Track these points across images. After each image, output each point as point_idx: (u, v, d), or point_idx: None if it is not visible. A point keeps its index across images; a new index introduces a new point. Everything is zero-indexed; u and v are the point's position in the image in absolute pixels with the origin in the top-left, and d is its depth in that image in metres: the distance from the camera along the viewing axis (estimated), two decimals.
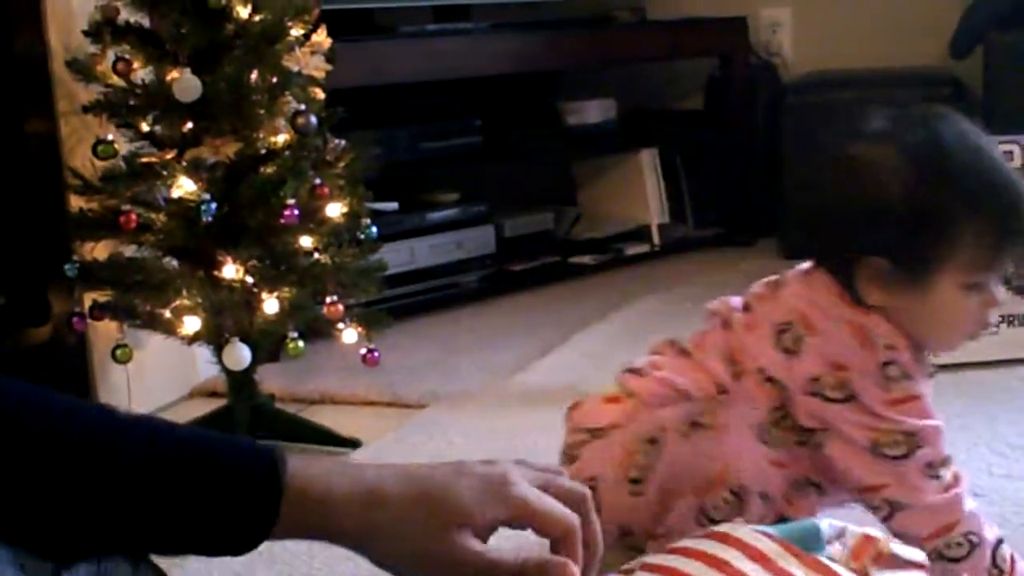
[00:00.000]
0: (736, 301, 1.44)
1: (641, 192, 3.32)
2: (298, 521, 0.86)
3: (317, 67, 1.93)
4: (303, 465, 0.87)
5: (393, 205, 2.78)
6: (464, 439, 1.97)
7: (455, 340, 2.60)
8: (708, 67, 3.47)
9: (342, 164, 1.96)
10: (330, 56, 1.97)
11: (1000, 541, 1.29)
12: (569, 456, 1.45)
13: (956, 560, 1.28)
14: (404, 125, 2.86)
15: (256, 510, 0.85)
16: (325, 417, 2.11)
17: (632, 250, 3.27)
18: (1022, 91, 2.90)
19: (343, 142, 1.98)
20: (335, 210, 1.93)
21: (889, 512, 1.29)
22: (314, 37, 1.94)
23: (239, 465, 0.86)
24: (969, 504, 1.29)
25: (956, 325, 1.32)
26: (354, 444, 1.98)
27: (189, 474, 0.86)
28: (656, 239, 3.32)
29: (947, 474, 1.29)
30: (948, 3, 3.17)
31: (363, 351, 2.03)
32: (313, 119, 1.87)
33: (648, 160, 3.32)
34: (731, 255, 3.29)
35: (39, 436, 0.84)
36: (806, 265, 1.39)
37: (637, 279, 3.06)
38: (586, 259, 3.19)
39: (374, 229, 2.02)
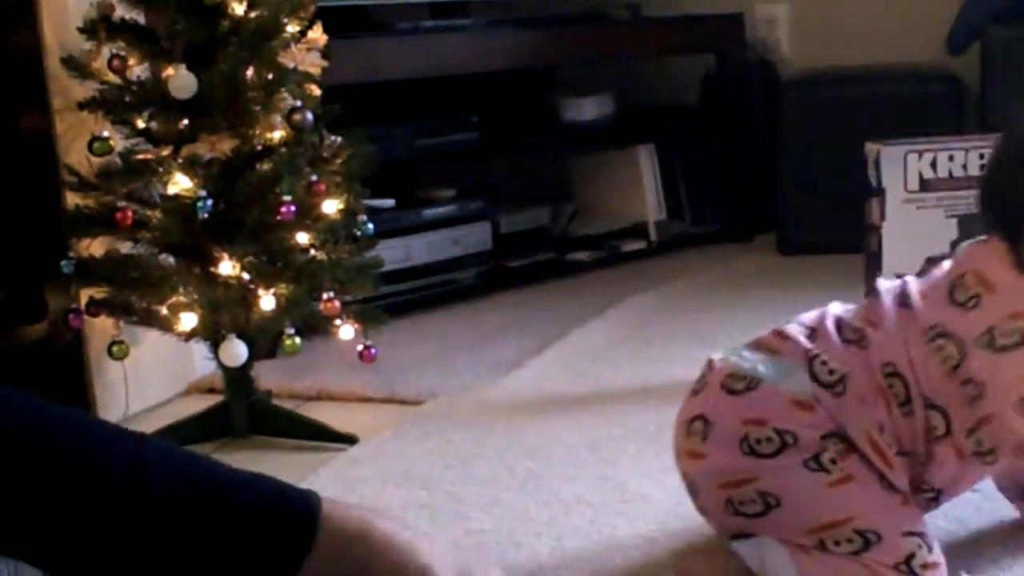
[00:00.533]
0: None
1: (638, 189, 3.33)
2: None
3: (313, 64, 1.93)
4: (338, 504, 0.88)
5: (390, 202, 2.78)
6: (462, 435, 1.96)
7: (452, 337, 2.59)
8: (705, 63, 3.47)
9: (338, 161, 1.96)
10: (326, 53, 1.96)
11: None
12: None
13: None
14: (401, 122, 2.86)
15: (288, 541, 0.86)
16: (322, 413, 2.11)
17: (629, 247, 3.27)
18: (1019, 87, 2.90)
19: (339, 139, 1.99)
20: (331, 207, 1.93)
21: None
22: (310, 33, 1.94)
23: (275, 495, 0.87)
24: None
25: None
26: (351, 440, 1.98)
27: (221, 509, 0.86)
28: (653, 236, 3.32)
29: None
30: (942, 1, 3.17)
31: (360, 348, 2.03)
32: (309, 116, 1.87)
33: (645, 156, 3.32)
34: (729, 252, 3.29)
35: (67, 468, 0.84)
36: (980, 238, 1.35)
37: (634, 276, 3.06)
38: (583, 256, 3.19)
39: (370, 226, 2.02)
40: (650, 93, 3.65)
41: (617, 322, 2.62)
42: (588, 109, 3.28)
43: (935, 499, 1.37)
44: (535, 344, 2.47)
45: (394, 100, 2.92)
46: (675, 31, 3.38)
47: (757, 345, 1.39)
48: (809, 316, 1.39)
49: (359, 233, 2.00)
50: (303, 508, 0.90)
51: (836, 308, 1.39)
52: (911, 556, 1.27)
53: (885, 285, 1.38)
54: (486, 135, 3.03)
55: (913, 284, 1.36)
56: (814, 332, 1.36)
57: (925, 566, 1.27)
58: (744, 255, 3.23)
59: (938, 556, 1.29)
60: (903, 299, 1.34)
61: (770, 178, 3.26)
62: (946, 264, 1.36)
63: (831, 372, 1.31)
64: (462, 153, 2.98)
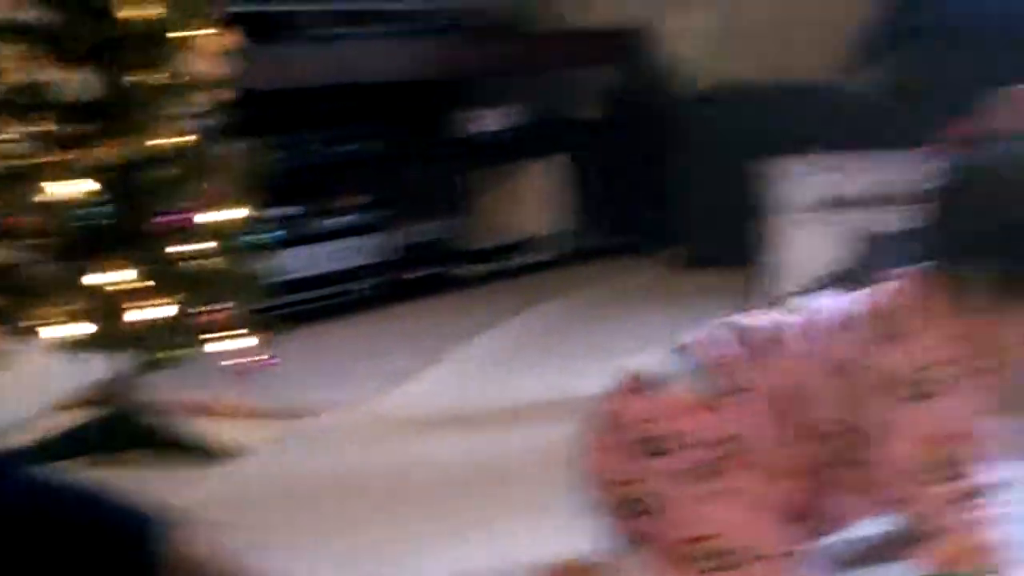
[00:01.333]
0: None
1: (538, 201, 3.32)
2: None
3: (215, 70, 1.88)
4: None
5: (295, 210, 2.74)
6: (351, 448, 1.94)
7: (347, 348, 2.57)
8: (611, 76, 3.47)
9: (238, 168, 1.92)
10: (230, 58, 1.92)
11: None
12: None
13: None
14: (308, 129, 2.82)
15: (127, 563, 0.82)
16: (208, 427, 2.05)
17: (527, 259, 3.26)
18: (921, 105, 2.91)
19: (240, 146, 1.94)
20: (228, 215, 1.89)
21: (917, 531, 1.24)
22: (214, 39, 1.89)
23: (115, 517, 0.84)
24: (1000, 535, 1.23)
25: None
26: (234, 455, 1.93)
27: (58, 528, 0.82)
28: (556, 248, 3.32)
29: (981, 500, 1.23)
30: (851, 16, 3.20)
31: (251, 358, 1.98)
32: (209, 122, 1.83)
33: (547, 169, 3.32)
34: (627, 264, 3.29)
35: None
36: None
37: (532, 289, 3.05)
38: (481, 268, 3.17)
39: (268, 234, 1.98)
40: (553, 106, 3.65)
41: (512, 335, 2.60)
42: (493, 121, 3.26)
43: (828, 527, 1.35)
44: (430, 356, 2.44)
45: (302, 107, 2.88)
46: (579, 44, 3.38)
47: (673, 349, 1.37)
48: (723, 324, 1.37)
49: (256, 242, 1.95)
50: (144, 530, 0.86)
51: (748, 319, 1.37)
52: None
53: (804, 301, 1.35)
54: (390, 146, 3.00)
55: (835, 305, 1.31)
56: (726, 341, 1.34)
57: None
58: (643, 268, 3.23)
59: None
60: (826, 319, 1.30)
61: (670, 191, 3.27)
62: (878, 288, 1.31)
63: (733, 382, 1.27)
64: (367, 163, 2.95)
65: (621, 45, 3.41)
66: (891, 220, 2.02)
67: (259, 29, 2.66)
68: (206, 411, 2.17)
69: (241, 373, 1.98)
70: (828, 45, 3.29)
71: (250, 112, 1.96)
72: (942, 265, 1.24)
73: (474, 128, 3.23)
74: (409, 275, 3.05)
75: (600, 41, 3.42)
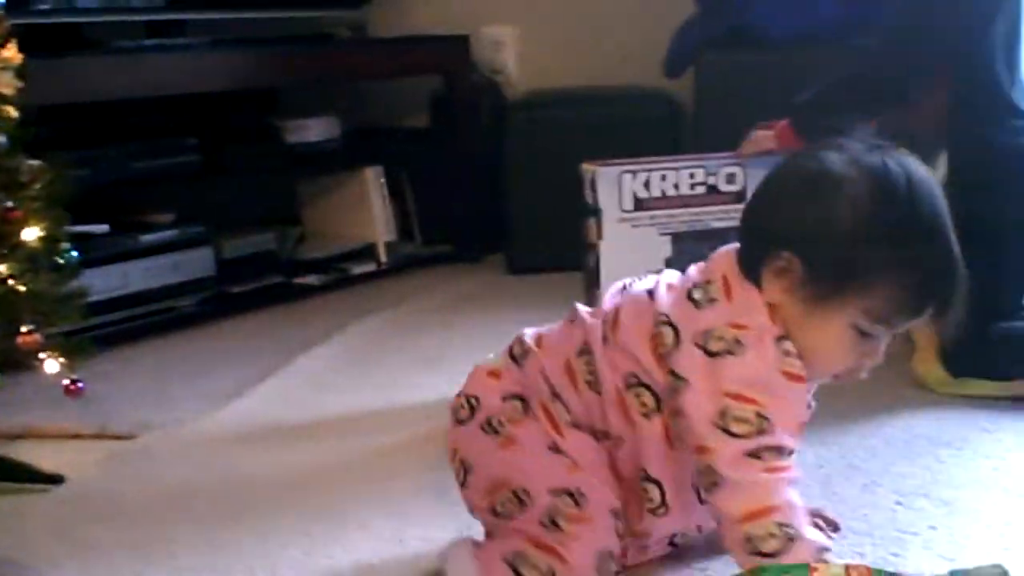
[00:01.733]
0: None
1: (367, 210, 3.30)
2: None
3: (6, 84, 1.82)
4: None
5: (104, 227, 2.66)
6: (176, 470, 1.89)
7: (171, 367, 2.50)
8: (433, 85, 3.47)
9: (38, 186, 1.86)
10: (22, 72, 1.86)
11: (826, 550, 1.30)
12: None
13: (769, 555, 1.27)
14: (115, 144, 2.74)
15: None
16: (28, 453, 1.98)
17: (358, 269, 3.23)
18: (729, 110, 2.99)
19: (39, 162, 1.88)
20: (31, 234, 1.83)
21: (711, 484, 1.30)
22: (3, 52, 1.83)
23: None
24: (794, 497, 1.29)
25: (830, 359, 1.34)
26: (58, 480, 1.87)
27: None
28: (383, 257, 3.30)
29: (778, 461, 1.29)
30: (664, 25, 3.25)
31: (66, 382, 1.93)
32: (3, 139, 1.77)
33: (373, 178, 3.30)
34: (459, 272, 3.30)
35: None
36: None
37: (364, 299, 3.03)
38: (311, 279, 3.13)
39: (75, 253, 1.92)
40: (378, 114, 3.64)
41: (343, 347, 2.58)
42: (313, 130, 3.23)
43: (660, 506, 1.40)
44: (258, 372, 2.40)
45: (108, 122, 2.81)
46: (401, 52, 3.37)
47: None
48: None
49: (62, 261, 1.89)
50: None
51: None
52: (555, 511, 1.33)
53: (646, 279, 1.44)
54: (207, 157, 2.94)
55: (666, 276, 1.42)
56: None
57: (570, 519, 1.32)
58: (473, 275, 3.24)
59: (592, 513, 1.33)
60: (651, 290, 1.40)
61: (493, 199, 3.28)
62: (702, 264, 1.41)
63: (522, 345, 1.44)
64: (182, 176, 2.88)
65: (445, 53, 3.41)
66: (703, 219, 2.08)
67: (58, 42, 2.59)
68: (25, 436, 2.11)
69: (73, 395, 1.92)
70: (642, 52, 3.34)
71: (52, 128, 1.91)
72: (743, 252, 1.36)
73: (295, 138, 3.19)
74: (237, 289, 2.99)
75: (424, 49, 3.41)
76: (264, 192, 3.30)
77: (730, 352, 1.31)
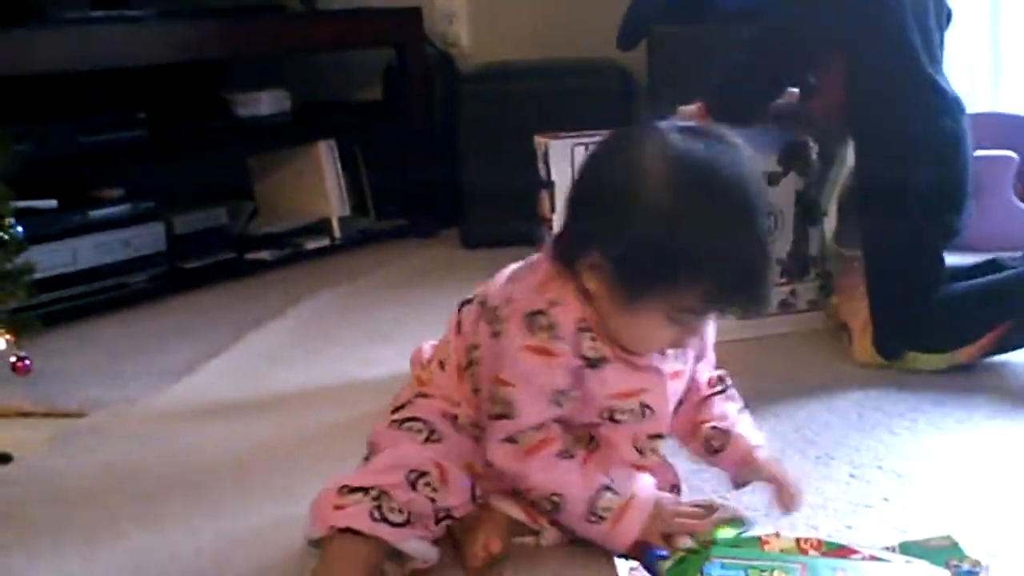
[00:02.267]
0: None
1: (320, 185, 3.27)
2: None
3: None
4: None
5: (51, 203, 2.62)
6: (124, 448, 1.87)
7: (121, 344, 2.47)
8: (386, 57, 3.44)
9: None
10: None
11: (606, 488, 1.34)
12: None
13: (551, 514, 1.38)
14: (60, 119, 2.70)
15: None
16: None
17: (312, 244, 3.21)
18: (682, 81, 2.99)
19: None
20: None
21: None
22: None
23: None
24: (550, 466, 1.34)
25: (649, 342, 1.35)
26: (5, 459, 1.84)
27: None
28: (337, 232, 3.27)
29: (530, 439, 1.34)
30: None
31: (13, 359, 1.90)
32: None
33: (326, 152, 3.27)
34: (413, 247, 3.28)
35: None
36: None
37: (318, 274, 3.01)
38: (264, 255, 3.10)
39: (19, 229, 1.89)
40: (331, 87, 3.60)
41: (296, 322, 2.56)
42: (264, 104, 3.20)
43: None
44: (210, 348, 2.38)
45: (52, 95, 2.76)
46: (352, 24, 3.33)
47: None
48: None
49: (7, 237, 1.86)
50: None
51: None
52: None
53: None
54: (156, 132, 2.90)
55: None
56: None
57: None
58: (428, 250, 3.23)
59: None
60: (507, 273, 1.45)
61: (452, 172, 3.26)
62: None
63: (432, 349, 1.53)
64: (130, 151, 2.84)
65: (398, 25, 3.38)
66: None
67: (1, 14, 2.54)
68: None
69: (21, 373, 1.90)
70: (595, 24, 3.33)
71: None
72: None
73: (246, 112, 3.15)
74: (189, 265, 2.96)
75: (377, 21, 3.38)
76: (215, 167, 3.27)
77: (497, 333, 1.36)
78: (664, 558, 1.32)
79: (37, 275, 1.99)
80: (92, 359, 2.36)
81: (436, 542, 1.38)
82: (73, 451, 1.87)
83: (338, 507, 1.33)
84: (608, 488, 1.35)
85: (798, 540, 1.31)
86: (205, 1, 3.21)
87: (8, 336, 1.88)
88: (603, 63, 3.28)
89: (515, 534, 1.43)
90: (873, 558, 1.28)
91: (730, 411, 1.51)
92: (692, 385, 1.50)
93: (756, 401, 1.93)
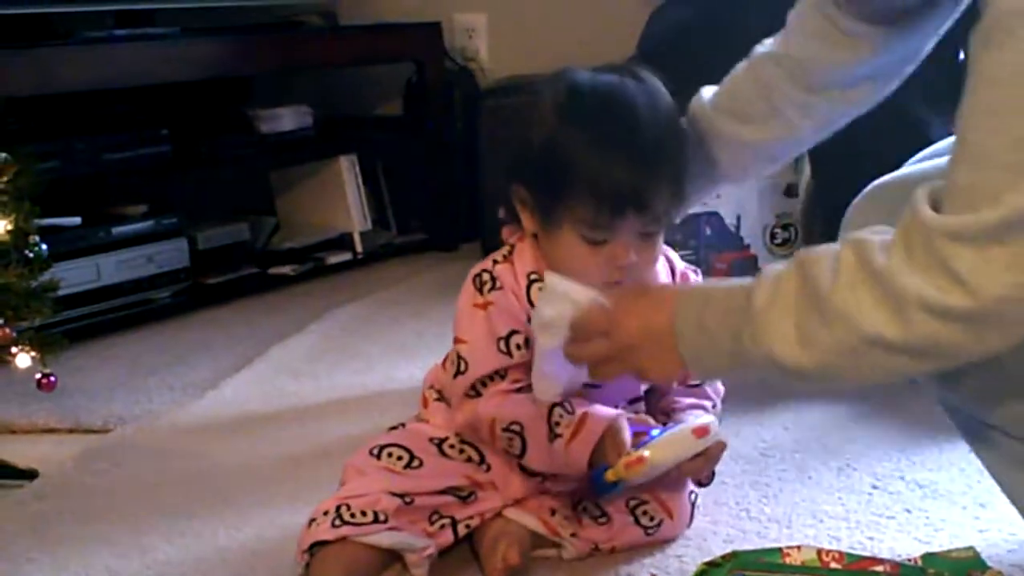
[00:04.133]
0: None
1: (341, 200, 3.28)
2: None
3: None
4: None
5: (75, 220, 2.64)
6: (150, 463, 1.88)
7: (146, 359, 2.48)
8: (406, 72, 3.46)
9: (5, 179, 1.84)
10: None
11: (559, 405, 1.38)
12: None
13: (519, 455, 1.41)
14: (85, 136, 2.72)
15: None
16: (0, 448, 1.97)
17: (334, 259, 3.22)
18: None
19: (6, 155, 1.86)
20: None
21: None
22: None
23: None
24: (506, 399, 1.40)
25: (581, 272, 1.35)
26: (31, 475, 1.85)
27: None
28: (358, 247, 3.29)
29: (491, 389, 1.42)
30: (636, 10, 3.25)
31: (38, 376, 1.92)
32: None
33: (347, 167, 3.28)
34: (435, 260, 3.29)
35: None
36: None
37: (339, 288, 3.02)
38: (286, 269, 3.12)
39: (44, 247, 1.90)
40: (351, 103, 3.62)
41: (319, 336, 2.57)
42: (286, 120, 3.21)
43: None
44: (234, 363, 2.39)
45: (78, 113, 2.78)
46: (373, 40, 3.35)
47: None
48: None
49: (31, 255, 1.88)
50: None
51: None
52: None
53: None
54: (179, 148, 2.92)
55: None
56: None
57: None
58: (449, 263, 3.24)
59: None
60: None
61: (473, 186, 3.27)
62: None
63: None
64: (154, 167, 2.86)
65: (418, 41, 3.39)
66: None
67: (26, 33, 2.57)
68: (4, 431, 2.09)
69: (46, 389, 1.92)
70: (615, 38, 3.34)
71: (20, 120, 1.89)
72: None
73: (268, 127, 3.17)
74: (211, 280, 2.98)
75: (397, 37, 3.40)
76: (238, 182, 3.29)
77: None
78: (606, 470, 1.35)
79: (61, 292, 2.00)
80: (116, 375, 2.38)
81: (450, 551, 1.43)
82: (98, 466, 1.88)
83: (306, 537, 1.40)
84: (561, 406, 1.39)
85: (820, 552, 1.31)
86: (228, 18, 3.23)
87: (33, 353, 1.89)
88: None
89: (535, 547, 1.44)
90: (895, 570, 1.28)
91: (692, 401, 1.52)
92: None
93: (777, 410, 1.94)
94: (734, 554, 1.33)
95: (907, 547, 1.42)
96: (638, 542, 1.47)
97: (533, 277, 1.41)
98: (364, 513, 1.39)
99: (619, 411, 1.42)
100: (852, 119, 1.52)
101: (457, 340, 1.45)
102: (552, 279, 1.30)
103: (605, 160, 1.32)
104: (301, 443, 1.93)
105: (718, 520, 1.54)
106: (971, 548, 1.33)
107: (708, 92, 1.56)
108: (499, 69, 3.55)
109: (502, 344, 1.41)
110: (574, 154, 1.33)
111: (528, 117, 1.39)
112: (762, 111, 1.50)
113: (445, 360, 1.54)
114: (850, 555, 1.31)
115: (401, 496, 1.42)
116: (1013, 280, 1.00)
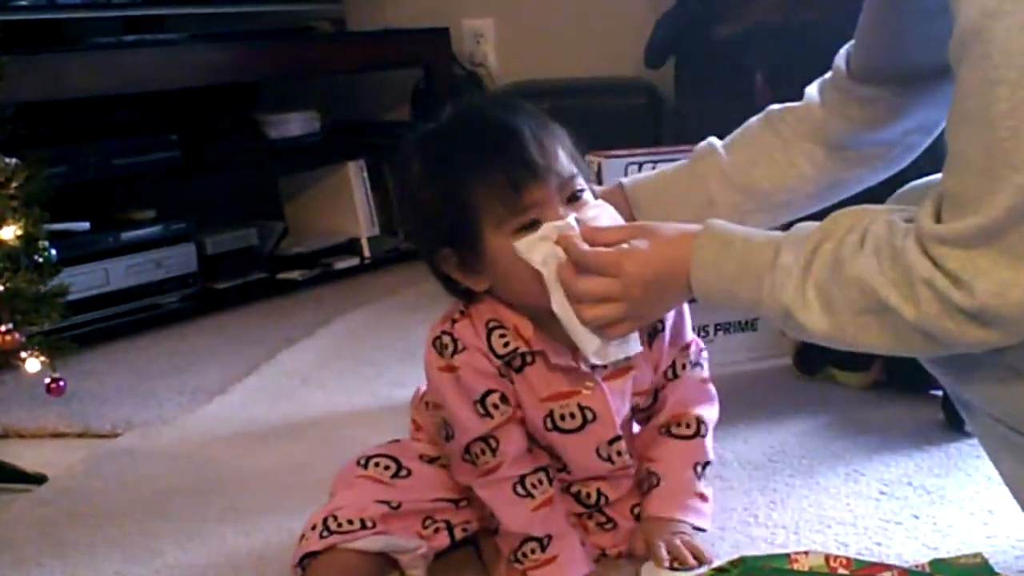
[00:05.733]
0: None
1: (349, 205, 3.29)
2: None
3: None
4: None
5: (84, 225, 2.65)
6: (158, 468, 1.89)
7: (154, 364, 2.49)
8: (414, 78, 3.46)
9: (15, 184, 1.85)
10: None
11: (536, 539, 1.36)
12: None
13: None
14: (94, 141, 2.73)
15: None
16: (9, 453, 1.98)
17: (342, 264, 3.23)
18: (710, 98, 2.99)
19: (16, 161, 1.87)
20: (8, 233, 1.82)
21: None
22: None
23: None
24: (504, 495, 1.37)
25: (532, 273, 1.30)
26: (40, 480, 1.86)
27: None
28: (366, 252, 3.29)
29: (484, 461, 1.37)
30: (643, 15, 3.26)
31: (47, 380, 1.92)
32: None
33: (355, 172, 3.29)
34: None
35: None
36: None
37: (347, 293, 3.03)
38: (295, 275, 3.13)
39: (53, 252, 1.91)
40: (359, 108, 3.63)
41: (327, 341, 2.57)
42: (294, 125, 3.22)
43: None
44: (242, 368, 2.40)
45: (87, 119, 2.79)
46: (381, 45, 3.36)
47: None
48: None
49: (41, 260, 1.88)
50: None
51: None
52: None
53: None
54: (188, 153, 2.93)
55: None
56: None
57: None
58: None
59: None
60: None
61: None
62: None
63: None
64: (162, 173, 2.87)
65: (426, 46, 3.40)
66: None
67: (36, 39, 2.57)
68: (7, 435, 2.10)
69: (55, 394, 1.92)
70: (623, 42, 3.35)
71: (30, 126, 1.90)
72: None
73: (276, 133, 3.18)
74: (220, 285, 2.99)
75: (405, 42, 3.40)
76: (246, 188, 3.30)
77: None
78: None
79: (70, 297, 2.00)
80: (125, 379, 2.39)
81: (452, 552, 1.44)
82: (107, 471, 1.89)
83: (297, 552, 1.41)
84: (538, 540, 1.37)
85: (827, 558, 1.31)
86: (236, 24, 3.24)
87: (43, 357, 1.89)
88: (631, 81, 3.29)
89: None
90: None
91: (679, 461, 1.47)
92: (662, 399, 1.47)
93: (784, 416, 1.94)
94: (742, 559, 1.33)
95: (915, 553, 1.42)
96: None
97: (492, 325, 1.35)
98: (351, 522, 1.39)
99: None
100: (864, 186, 1.55)
101: (435, 404, 1.43)
102: (521, 242, 1.29)
103: (474, 152, 1.31)
104: (310, 448, 1.93)
105: (725, 526, 1.53)
106: (979, 554, 1.33)
107: (716, 140, 1.61)
108: (507, 74, 3.56)
109: (479, 407, 1.36)
110: (452, 172, 1.31)
111: (406, 195, 1.37)
112: (776, 158, 1.54)
113: (422, 397, 1.54)
114: (858, 561, 1.31)
115: (388, 503, 1.42)
116: (1003, 279, 1.04)
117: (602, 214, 1.35)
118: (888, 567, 1.30)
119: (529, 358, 1.36)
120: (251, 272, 3.08)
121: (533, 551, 1.37)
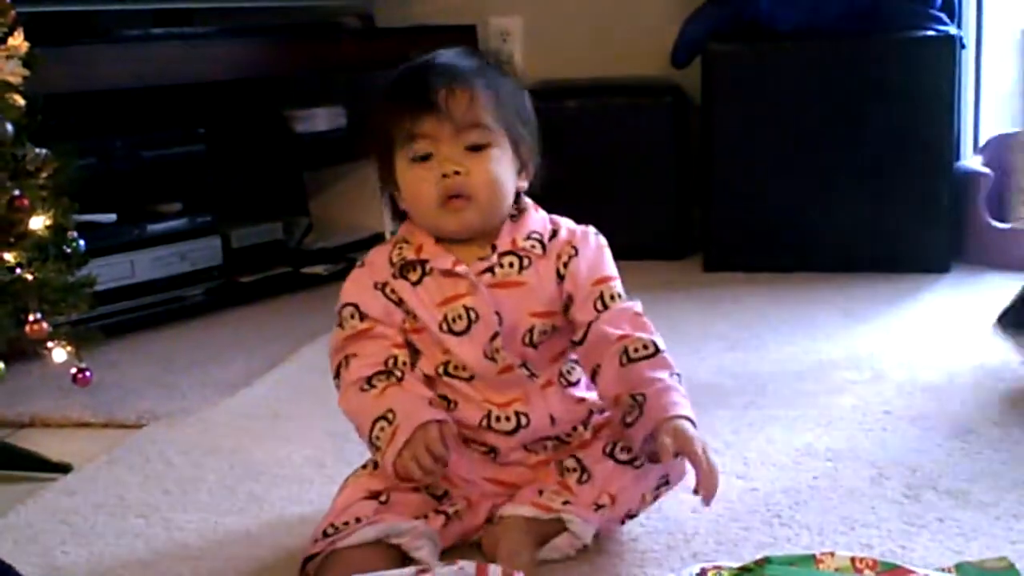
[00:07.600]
0: None
1: (374, 200, 3.28)
2: None
3: (13, 72, 1.82)
4: None
5: (111, 216, 2.66)
6: (182, 459, 1.89)
7: (179, 356, 2.50)
8: None
9: (45, 175, 1.86)
10: (29, 61, 1.86)
11: (383, 418, 1.43)
12: None
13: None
14: (122, 133, 2.74)
15: None
16: (35, 442, 1.99)
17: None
18: (736, 99, 3.00)
19: (46, 151, 1.88)
20: (38, 223, 1.83)
21: None
22: (10, 41, 1.83)
23: None
24: (352, 396, 1.50)
25: (419, 195, 1.47)
26: (65, 469, 1.87)
27: None
28: None
29: (351, 324, 1.53)
30: (670, 15, 3.26)
31: (74, 370, 1.93)
32: (9, 127, 1.77)
33: None
34: None
35: None
36: None
37: None
38: (319, 269, 3.13)
39: (82, 242, 1.93)
40: None
41: None
42: (321, 120, 3.22)
43: None
44: (266, 361, 2.41)
45: (115, 111, 2.80)
46: (408, 42, 3.33)
47: None
48: None
49: (69, 250, 1.90)
50: None
51: None
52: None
53: None
54: (214, 147, 2.94)
55: None
56: None
57: None
58: None
59: None
60: None
61: None
62: None
63: None
64: (189, 165, 2.88)
65: (453, 43, 3.37)
66: None
67: (66, 31, 2.59)
68: (33, 424, 2.11)
69: (81, 384, 1.94)
70: (649, 42, 3.35)
71: (59, 117, 1.91)
72: None
73: (303, 128, 3.18)
74: (245, 278, 3.00)
75: (432, 39, 3.38)
76: (271, 182, 3.30)
77: None
78: None
79: (97, 287, 2.02)
80: (150, 371, 2.40)
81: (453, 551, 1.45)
82: (132, 461, 1.90)
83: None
84: (384, 418, 1.43)
85: (853, 560, 1.30)
86: (264, 19, 3.25)
87: (69, 347, 1.91)
88: (657, 81, 3.29)
89: (537, 532, 1.45)
90: None
91: (654, 376, 1.42)
92: (596, 336, 1.47)
93: (809, 417, 1.94)
94: (767, 559, 1.33)
95: (939, 556, 1.42)
96: (633, 485, 1.47)
97: (398, 241, 1.54)
98: (346, 523, 1.43)
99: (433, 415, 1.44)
100: None
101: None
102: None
103: (396, 82, 1.51)
104: (332, 441, 1.93)
105: (750, 526, 1.53)
106: (1005, 558, 1.33)
107: None
108: (534, 72, 3.55)
109: (377, 287, 1.51)
110: (384, 102, 1.51)
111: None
112: None
113: None
114: (884, 563, 1.30)
115: (376, 497, 1.45)
116: None
117: (485, 187, 1.47)
118: (913, 571, 1.29)
119: (426, 268, 1.49)
120: (275, 266, 3.08)
121: (383, 429, 1.42)
